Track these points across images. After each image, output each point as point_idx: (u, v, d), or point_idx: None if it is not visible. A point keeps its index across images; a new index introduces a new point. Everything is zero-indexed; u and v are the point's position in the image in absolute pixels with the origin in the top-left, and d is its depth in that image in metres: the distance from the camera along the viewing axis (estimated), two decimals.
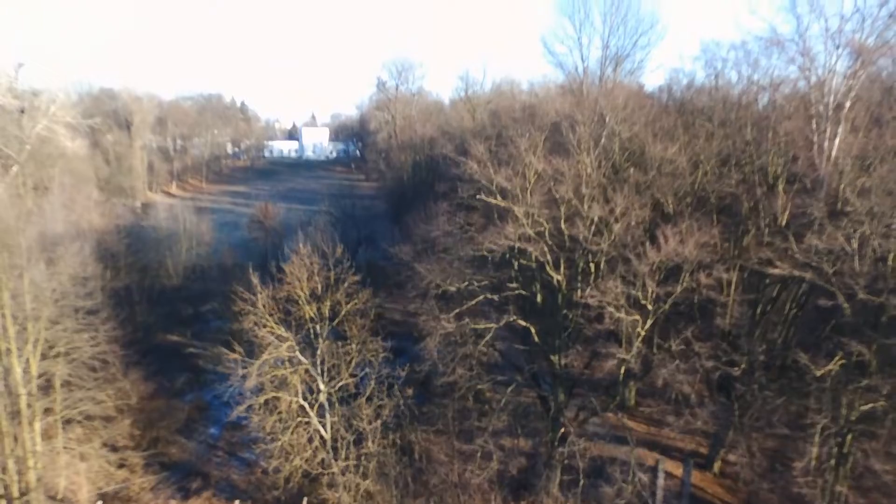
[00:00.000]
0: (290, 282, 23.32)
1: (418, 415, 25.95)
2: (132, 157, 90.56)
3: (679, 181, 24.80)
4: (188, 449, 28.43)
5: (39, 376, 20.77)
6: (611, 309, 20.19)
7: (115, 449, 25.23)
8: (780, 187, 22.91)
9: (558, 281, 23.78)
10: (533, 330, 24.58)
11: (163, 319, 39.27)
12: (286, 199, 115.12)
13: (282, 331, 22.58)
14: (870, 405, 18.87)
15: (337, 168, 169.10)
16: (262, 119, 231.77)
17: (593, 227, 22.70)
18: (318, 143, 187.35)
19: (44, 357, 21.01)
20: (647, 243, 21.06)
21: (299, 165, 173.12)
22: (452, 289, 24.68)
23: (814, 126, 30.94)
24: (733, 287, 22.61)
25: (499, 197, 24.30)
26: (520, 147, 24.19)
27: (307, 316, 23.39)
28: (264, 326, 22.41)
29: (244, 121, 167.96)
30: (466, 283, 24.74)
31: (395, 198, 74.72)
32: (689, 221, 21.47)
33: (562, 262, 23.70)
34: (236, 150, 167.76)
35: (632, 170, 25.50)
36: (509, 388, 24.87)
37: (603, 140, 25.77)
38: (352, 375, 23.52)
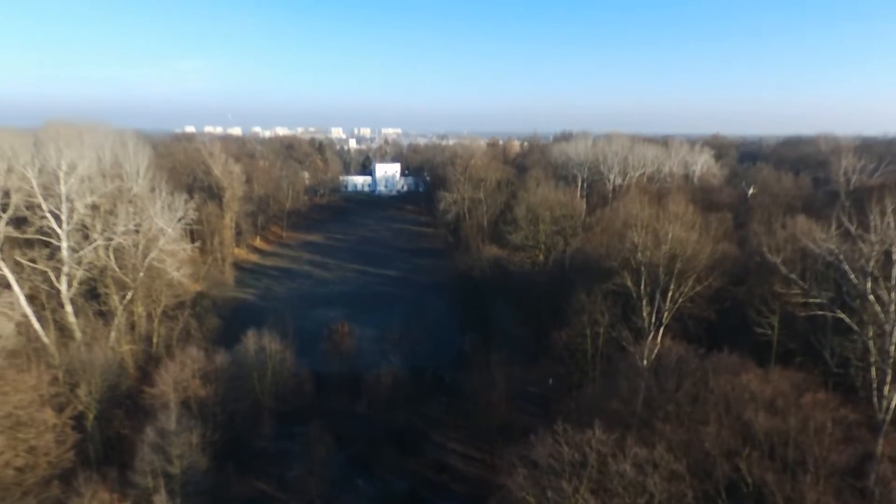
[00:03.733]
0: None
1: None
2: (223, 228, 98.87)
3: None
4: None
5: None
6: None
7: None
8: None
9: None
10: None
11: (252, 478, 44.66)
12: (360, 256, 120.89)
13: None
14: None
15: (407, 207, 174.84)
16: (336, 143, 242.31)
17: None
18: (389, 177, 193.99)
19: None
20: None
21: (372, 202, 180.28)
22: None
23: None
24: None
25: None
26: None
27: None
28: None
29: (322, 160, 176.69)
30: None
31: (462, 289, 78.18)
32: None
33: None
34: (315, 184, 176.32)
35: None
36: None
37: None
38: None
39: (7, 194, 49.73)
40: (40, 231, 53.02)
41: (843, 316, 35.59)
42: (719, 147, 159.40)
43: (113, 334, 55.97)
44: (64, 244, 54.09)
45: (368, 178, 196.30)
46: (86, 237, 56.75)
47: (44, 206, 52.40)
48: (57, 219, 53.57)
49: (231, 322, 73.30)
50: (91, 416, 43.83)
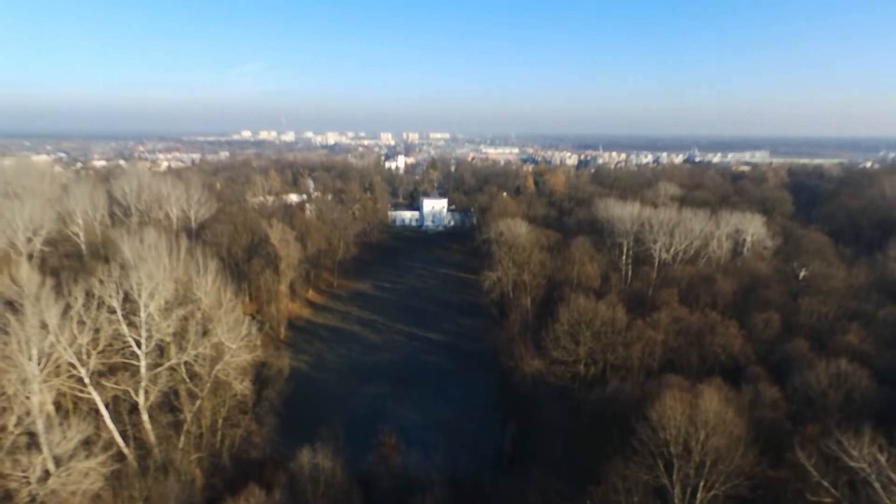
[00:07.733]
0: None
1: None
2: (278, 294, 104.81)
3: None
4: None
5: None
6: None
7: None
8: None
9: None
10: None
11: None
12: (407, 313, 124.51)
13: None
14: None
15: (454, 246, 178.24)
16: (384, 151, 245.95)
17: None
18: (437, 212, 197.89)
19: None
20: None
21: (419, 240, 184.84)
22: None
23: None
24: None
25: None
26: None
27: None
28: None
29: (372, 199, 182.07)
30: None
31: (504, 377, 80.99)
32: None
33: None
34: (365, 224, 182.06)
35: None
36: None
37: None
38: None
39: (97, 330, 55.58)
40: (122, 355, 58.94)
41: None
42: (773, 198, 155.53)
43: (182, 440, 61.73)
44: (143, 363, 59.86)
45: (416, 213, 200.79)
46: (161, 353, 62.53)
47: (127, 334, 58.25)
48: (137, 343, 59.38)
49: (288, 410, 78.44)
50: None
